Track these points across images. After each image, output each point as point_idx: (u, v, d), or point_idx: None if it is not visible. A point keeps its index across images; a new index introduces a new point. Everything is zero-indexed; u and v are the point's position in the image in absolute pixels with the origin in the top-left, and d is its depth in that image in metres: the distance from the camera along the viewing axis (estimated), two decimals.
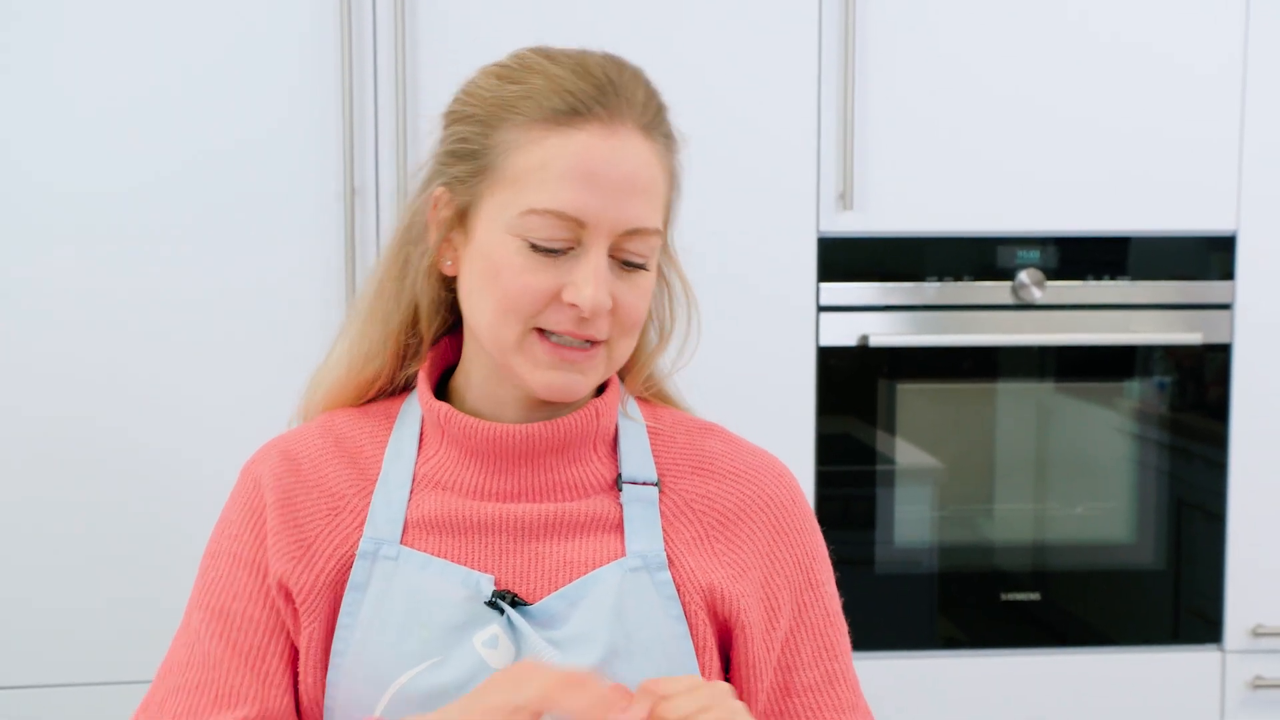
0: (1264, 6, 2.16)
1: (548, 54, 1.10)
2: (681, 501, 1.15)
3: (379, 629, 1.07)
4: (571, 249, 1.06)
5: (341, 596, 1.09)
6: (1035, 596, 2.25)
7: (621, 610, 1.08)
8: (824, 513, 2.16)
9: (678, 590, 1.10)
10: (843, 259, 2.15)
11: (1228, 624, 2.23)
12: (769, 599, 1.13)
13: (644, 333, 1.18)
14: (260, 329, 2.07)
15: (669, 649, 1.08)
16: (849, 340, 2.16)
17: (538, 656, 1.05)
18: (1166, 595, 2.26)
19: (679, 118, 2.14)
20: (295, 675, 1.11)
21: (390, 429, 1.16)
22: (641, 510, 1.13)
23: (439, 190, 1.11)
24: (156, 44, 2.03)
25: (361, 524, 1.11)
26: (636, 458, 1.15)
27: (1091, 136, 2.16)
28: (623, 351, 1.11)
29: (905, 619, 2.23)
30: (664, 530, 1.13)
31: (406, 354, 1.17)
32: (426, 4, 2.06)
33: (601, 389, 1.17)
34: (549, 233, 1.05)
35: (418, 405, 1.16)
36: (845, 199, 2.12)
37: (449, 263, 1.12)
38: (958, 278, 2.18)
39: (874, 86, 2.13)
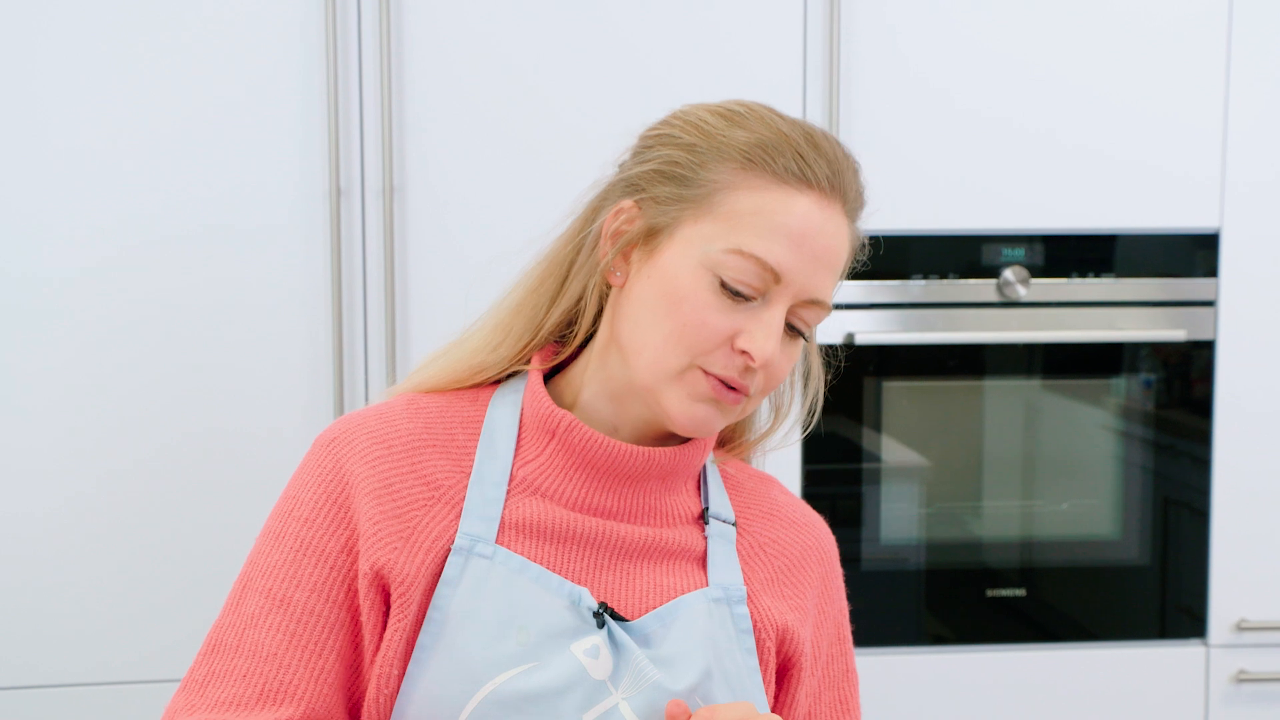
0: (1246, 6, 2.17)
1: (774, 111, 1.14)
2: (755, 544, 1.18)
3: (472, 627, 1.06)
4: (754, 300, 1.08)
5: (432, 589, 1.08)
6: (1021, 593, 2.26)
7: (710, 636, 1.10)
8: None
9: (754, 625, 1.14)
10: None
11: (1212, 619, 2.24)
12: (814, 646, 1.18)
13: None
14: (244, 329, 2.07)
15: (743, 680, 1.11)
16: (834, 338, 2.17)
17: (640, 671, 1.06)
18: (1152, 591, 2.27)
19: (656, 118, 2.14)
20: (349, 671, 1.09)
21: (480, 418, 1.15)
22: (723, 546, 1.16)
23: (628, 203, 1.12)
24: (139, 41, 2.02)
25: (458, 515, 1.10)
26: (718, 496, 1.19)
27: (1076, 134, 2.17)
28: (754, 407, 1.14)
29: (892, 616, 2.24)
30: (741, 568, 1.17)
31: (542, 352, 1.18)
32: (412, 2, 2.06)
33: None
34: (745, 277, 1.07)
35: (511, 400, 1.16)
36: None
37: (619, 274, 1.13)
38: (943, 275, 2.19)
39: (857, 85, 2.13)
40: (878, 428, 2.22)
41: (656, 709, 1.05)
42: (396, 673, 1.07)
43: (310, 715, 1.06)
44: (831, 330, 2.16)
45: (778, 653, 1.15)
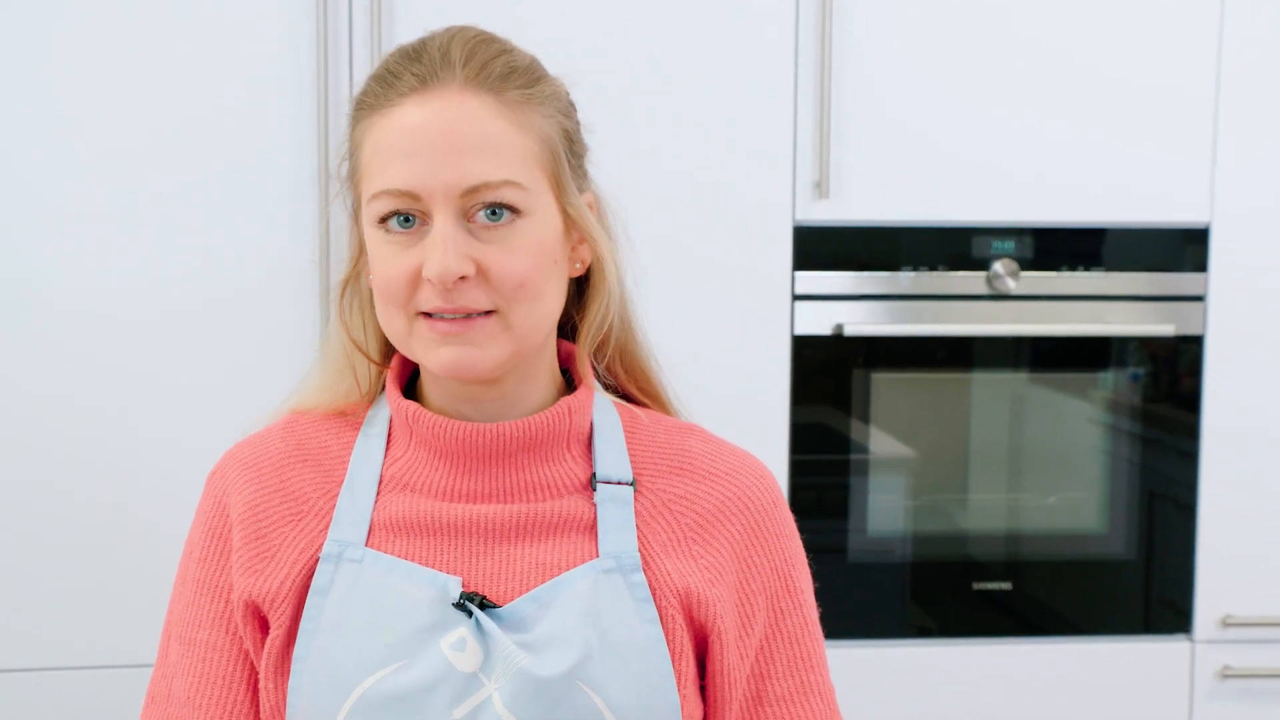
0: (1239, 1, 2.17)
1: (400, 45, 1.10)
2: (659, 501, 1.12)
3: (343, 633, 1.05)
4: (424, 225, 1.04)
5: (303, 602, 1.07)
6: (1007, 586, 2.26)
7: (595, 613, 1.05)
8: (798, 501, 2.17)
9: (652, 592, 1.08)
10: (818, 248, 2.15)
11: (1197, 614, 2.24)
12: (744, 604, 1.11)
13: (592, 298, 1.14)
14: (231, 313, 2.06)
15: (644, 652, 1.06)
16: (824, 329, 2.16)
17: (508, 659, 1.02)
18: (1137, 585, 2.27)
19: (647, 106, 2.12)
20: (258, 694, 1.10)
21: (357, 430, 1.15)
22: (616, 510, 1.10)
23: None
24: (135, 33, 2.01)
25: (326, 527, 1.09)
26: (611, 457, 1.13)
27: (1067, 127, 2.16)
28: (521, 319, 1.06)
29: (877, 608, 2.23)
30: (639, 531, 1.10)
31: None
32: None
33: (574, 386, 1.15)
34: (390, 213, 1.04)
35: (387, 407, 1.14)
36: (821, 187, 2.12)
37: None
38: (933, 268, 2.19)
39: (850, 75, 2.13)
40: (865, 419, 2.21)
41: (523, 696, 1.02)
42: (272, 686, 1.06)
43: None
44: (821, 321, 2.16)
45: (688, 619, 1.09)
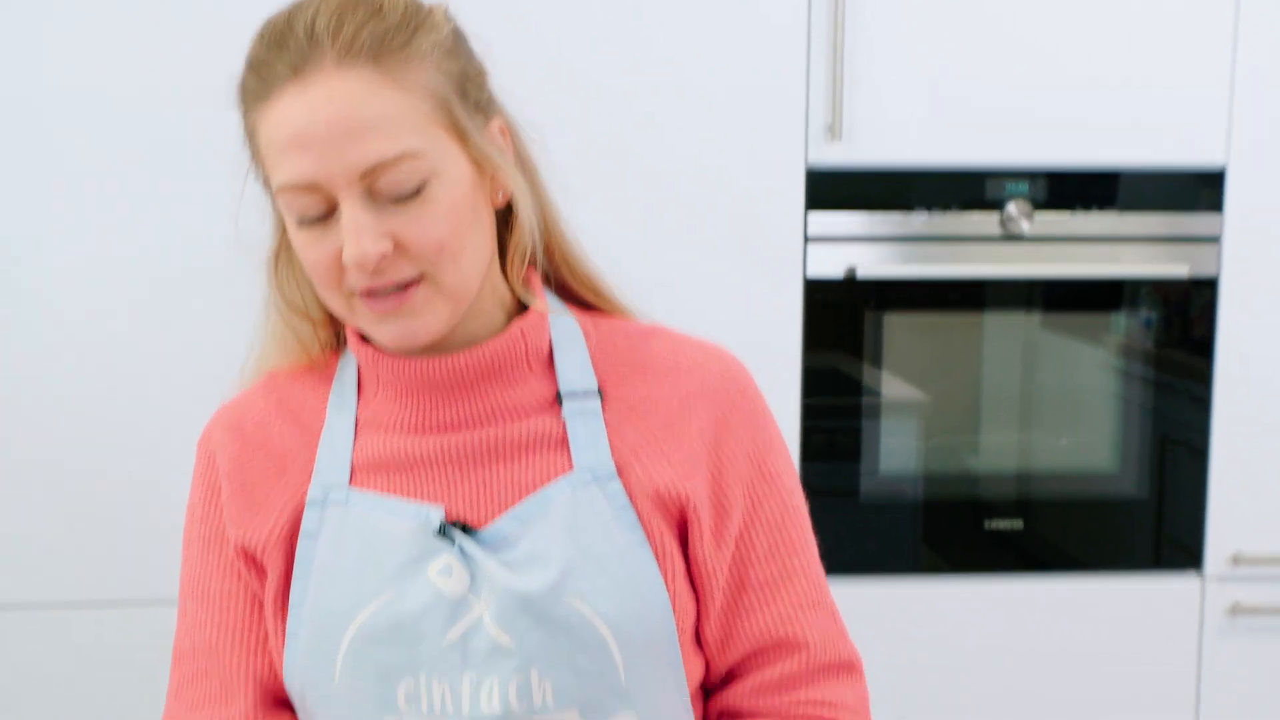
0: None
1: (270, 19, 1.05)
2: (625, 406, 1.12)
3: (335, 572, 1.08)
4: (332, 213, 1.03)
5: (293, 548, 1.10)
6: (1018, 525, 2.27)
7: (575, 525, 1.07)
8: (810, 444, 2.18)
9: (630, 498, 1.08)
10: (830, 190, 2.15)
11: (1208, 551, 2.25)
12: (718, 493, 1.11)
13: (513, 229, 1.14)
14: (241, 311, 2.06)
15: (627, 560, 1.07)
16: (836, 272, 2.16)
17: (492, 579, 1.05)
18: (1148, 523, 2.28)
19: (659, 45, 2.10)
20: None
21: (331, 381, 1.17)
22: (585, 422, 1.11)
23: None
24: (145, 40, 2.02)
25: (309, 476, 1.12)
26: (574, 370, 1.13)
27: (1082, 68, 2.15)
28: (452, 280, 1.06)
29: (889, 548, 2.25)
30: (610, 438, 1.11)
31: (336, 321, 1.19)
32: None
33: (525, 307, 1.16)
34: (299, 206, 1.03)
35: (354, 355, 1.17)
36: (834, 130, 2.11)
37: None
38: (946, 209, 2.18)
39: (863, 16, 2.11)
40: (877, 362, 2.22)
41: (509, 613, 1.04)
42: (276, 631, 1.10)
43: (270, 688, 1.11)
44: (833, 264, 2.16)
45: (668, 517, 1.09)
